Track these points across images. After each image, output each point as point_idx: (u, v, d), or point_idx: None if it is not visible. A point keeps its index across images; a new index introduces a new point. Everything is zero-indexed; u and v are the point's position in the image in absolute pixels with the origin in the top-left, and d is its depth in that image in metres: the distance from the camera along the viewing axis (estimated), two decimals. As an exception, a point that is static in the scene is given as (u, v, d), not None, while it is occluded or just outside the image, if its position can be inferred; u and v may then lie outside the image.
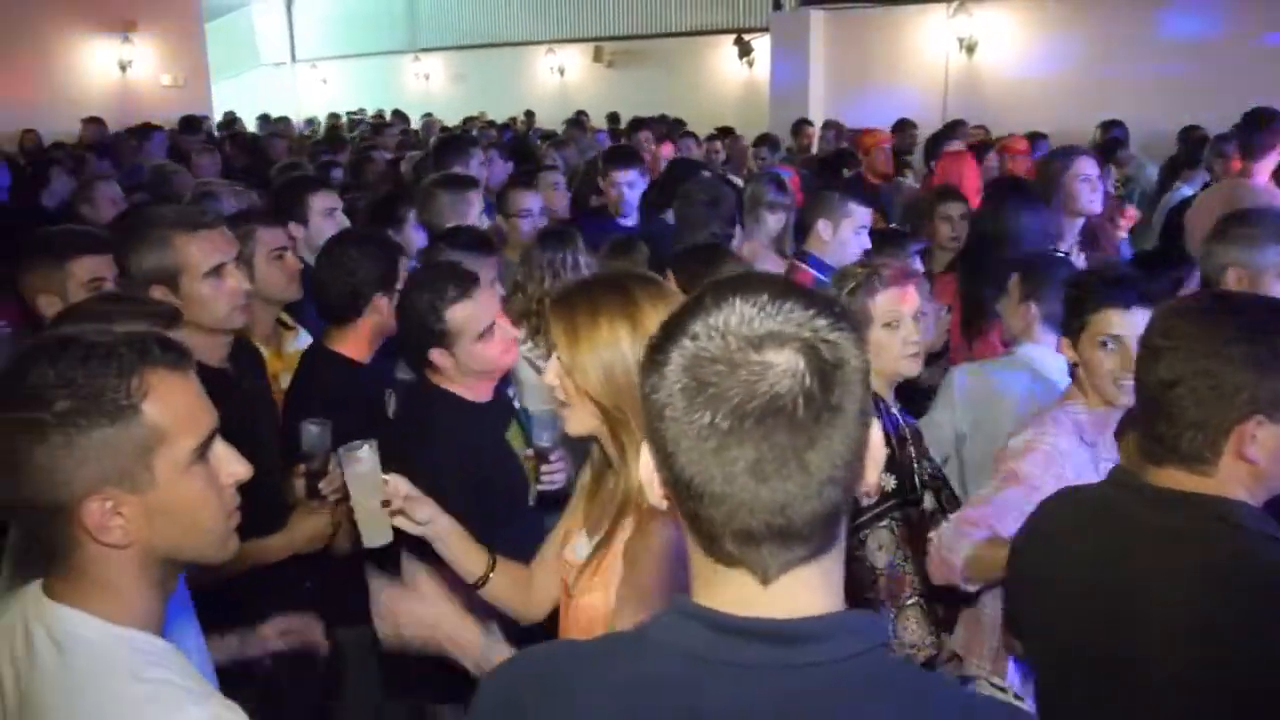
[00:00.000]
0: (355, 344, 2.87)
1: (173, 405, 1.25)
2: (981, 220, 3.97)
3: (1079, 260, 3.76)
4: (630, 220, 4.84)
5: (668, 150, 7.24)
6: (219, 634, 1.93)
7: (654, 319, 1.62)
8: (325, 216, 3.77)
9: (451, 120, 12.99)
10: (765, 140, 8.53)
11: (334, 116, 15.39)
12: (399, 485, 1.92)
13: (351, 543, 2.24)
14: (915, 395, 3.11)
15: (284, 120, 13.15)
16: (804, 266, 3.87)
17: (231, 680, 1.58)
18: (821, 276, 3.60)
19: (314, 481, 2.37)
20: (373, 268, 2.84)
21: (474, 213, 4.05)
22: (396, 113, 13.66)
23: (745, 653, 0.91)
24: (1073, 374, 2.49)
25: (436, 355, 2.46)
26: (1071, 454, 2.30)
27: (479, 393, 2.53)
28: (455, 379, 2.49)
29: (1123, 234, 4.28)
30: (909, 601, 2.47)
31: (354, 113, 15.56)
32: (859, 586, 2.43)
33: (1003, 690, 2.35)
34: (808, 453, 0.87)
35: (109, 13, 12.99)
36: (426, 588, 1.83)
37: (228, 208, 4.05)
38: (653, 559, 1.58)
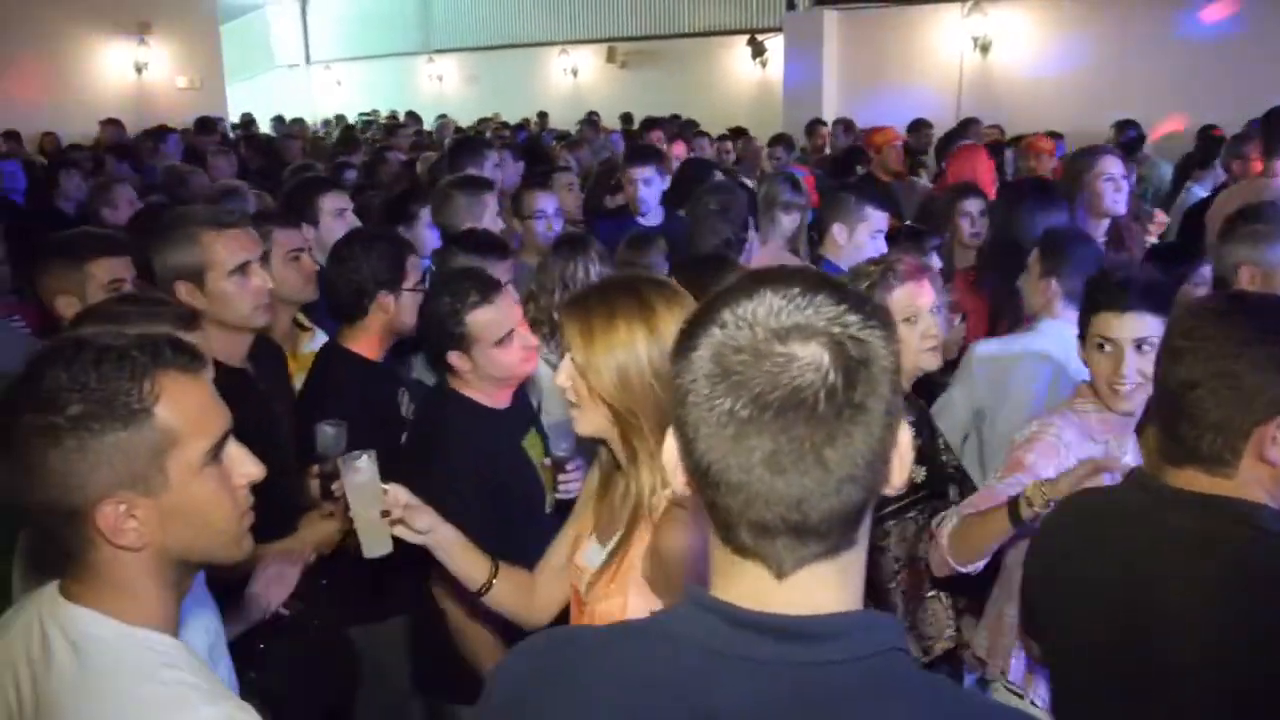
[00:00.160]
0: (367, 342, 2.88)
1: (185, 408, 1.25)
2: (1004, 223, 3.87)
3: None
4: (650, 219, 4.80)
5: (680, 149, 7.22)
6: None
7: (669, 322, 1.62)
8: (335, 217, 3.77)
9: (465, 121, 13.02)
10: (781, 140, 8.51)
11: (341, 119, 15.44)
12: (398, 495, 1.90)
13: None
14: (934, 390, 3.10)
15: (299, 122, 13.21)
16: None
17: (247, 684, 1.58)
18: (838, 283, 3.57)
19: (328, 483, 2.36)
20: (377, 266, 2.85)
21: (489, 215, 4.05)
22: (410, 114, 13.70)
23: (760, 648, 0.91)
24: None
25: (455, 358, 2.47)
26: (1075, 447, 2.27)
27: (497, 399, 2.53)
28: (473, 384, 2.50)
29: (1152, 238, 4.20)
30: (930, 594, 2.47)
31: (365, 114, 15.59)
32: (883, 577, 2.43)
33: (1019, 696, 2.34)
34: (826, 449, 0.86)
35: (125, 15, 13.07)
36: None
37: (252, 207, 4.06)
38: (675, 562, 1.57)
